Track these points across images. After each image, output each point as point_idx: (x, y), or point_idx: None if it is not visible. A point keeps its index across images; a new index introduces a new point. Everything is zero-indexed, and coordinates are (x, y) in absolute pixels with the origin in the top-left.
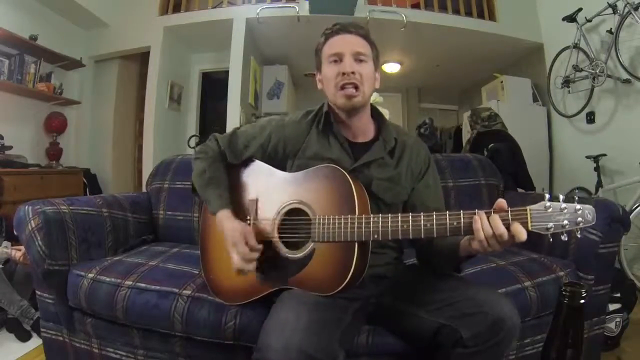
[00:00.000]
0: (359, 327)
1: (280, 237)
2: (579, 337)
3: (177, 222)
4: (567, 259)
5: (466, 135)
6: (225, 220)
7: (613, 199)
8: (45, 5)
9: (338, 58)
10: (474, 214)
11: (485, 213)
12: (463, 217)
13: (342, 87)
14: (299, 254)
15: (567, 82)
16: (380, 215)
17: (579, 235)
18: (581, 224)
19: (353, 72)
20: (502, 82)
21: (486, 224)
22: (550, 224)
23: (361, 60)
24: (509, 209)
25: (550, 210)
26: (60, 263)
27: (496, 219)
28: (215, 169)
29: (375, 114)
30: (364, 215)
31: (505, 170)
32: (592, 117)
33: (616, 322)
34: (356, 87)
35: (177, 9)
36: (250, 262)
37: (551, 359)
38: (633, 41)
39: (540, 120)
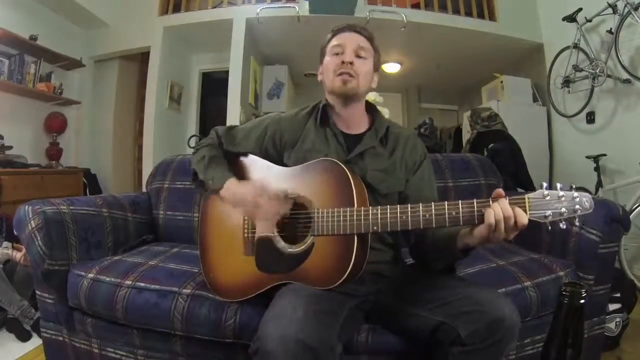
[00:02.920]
0: (358, 323)
1: (279, 232)
2: (579, 337)
3: (177, 222)
4: (567, 259)
5: (466, 135)
6: (235, 186)
7: (613, 199)
8: (45, 5)
9: (340, 50)
10: (472, 203)
11: (485, 202)
12: (462, 207)
13: (340, 74)
14: (299, 248)
15: (567, 82)
16: (379, 207)
17: (577, 224)
18: (579, 212)
19: (351, 63)
20: (502, 82)
21: (497, 208)
22: (549, 212)
23: (361, 57)
24: (507, 197)
25: (548, 198)
26: (60, 263)
27: (504, 202)
28: (214, 152)
29: (370, 108)
30: (362, 208)
31: (505, 170)
32: (592, 117)
33: (616, 322)
34: (351, 75)
35: (177, 9)
36: (286, 200)
37: (551, 359)
38: (633, 41)
39: (540, 120)
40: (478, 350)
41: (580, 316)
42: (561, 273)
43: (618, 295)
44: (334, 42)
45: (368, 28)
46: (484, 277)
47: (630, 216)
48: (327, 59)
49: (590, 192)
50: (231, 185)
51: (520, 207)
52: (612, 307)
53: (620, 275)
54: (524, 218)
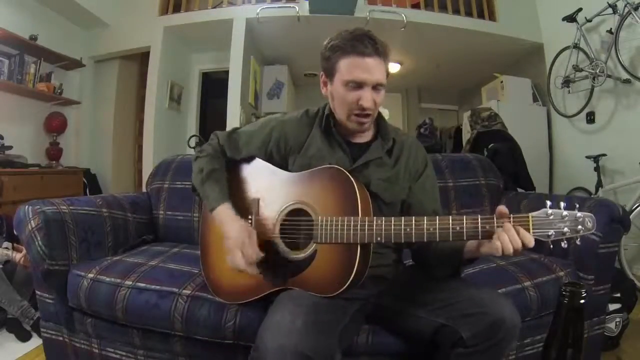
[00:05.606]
0: (358, 327)
1: (281, 237)
2: (579, 337)
3: (177, 222)
4: (567, 259)
5: (466, 135)
6: (226, 217)
7: (613, 199)
8: (45, 5)
9: (358, 86)
10: (477, 219)
11: (489, 219)
12: (466, 222)
13: (357, 115)
14: (301, 255)
15: (567, 82)
16: (383, 218)
17: (578, 243)
18: (581, 232)
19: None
20: (502, 82)
21: (505, 240)
22: (551, 231)
23: (379, 90)
24: (511, 215)
25: (551, 217)
26: (60, 263)
27: (511, 231)
28: (213, 165)
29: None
30: (367, 218)
31: (505, 170)
32: (592, 117)
33: (616, 322)
34: (369, 115)
35: (177, 9)
36: (253, 265)
37: (551, 359)
38: (633, 41)
39: (540, 120)
40: (479, 352)
41: (580, 316)
42: (561, 273)
43: (618, 295)
44: (348, 70)
45: (381, 44)
46: (484, 277)
47: (630, 216)
48: (339, 86)
49: (590, 192)
50: (222, 213)
51: (523, 226)
52: (612, 307)
53: (620, 275)
54: (531, 242)
